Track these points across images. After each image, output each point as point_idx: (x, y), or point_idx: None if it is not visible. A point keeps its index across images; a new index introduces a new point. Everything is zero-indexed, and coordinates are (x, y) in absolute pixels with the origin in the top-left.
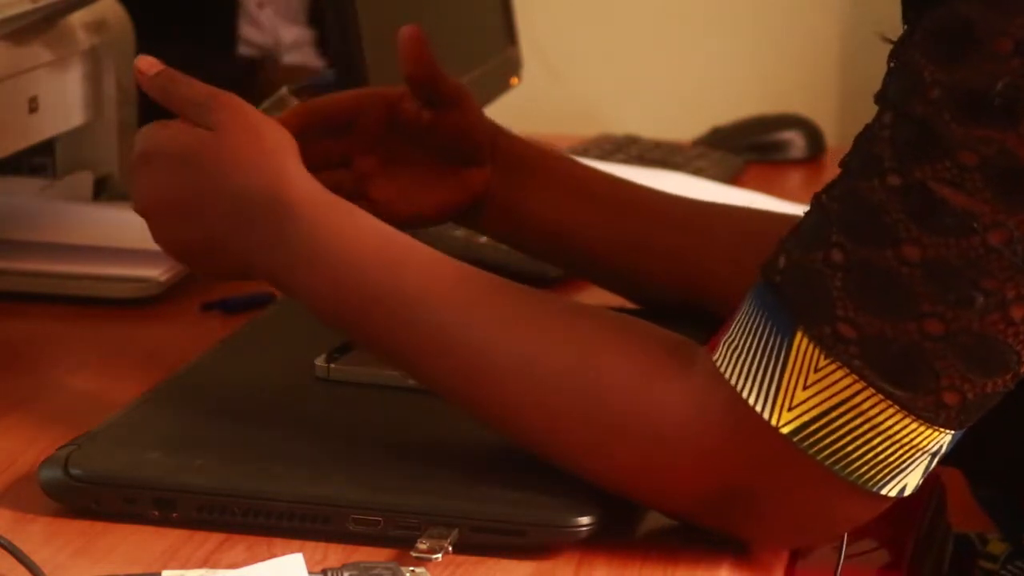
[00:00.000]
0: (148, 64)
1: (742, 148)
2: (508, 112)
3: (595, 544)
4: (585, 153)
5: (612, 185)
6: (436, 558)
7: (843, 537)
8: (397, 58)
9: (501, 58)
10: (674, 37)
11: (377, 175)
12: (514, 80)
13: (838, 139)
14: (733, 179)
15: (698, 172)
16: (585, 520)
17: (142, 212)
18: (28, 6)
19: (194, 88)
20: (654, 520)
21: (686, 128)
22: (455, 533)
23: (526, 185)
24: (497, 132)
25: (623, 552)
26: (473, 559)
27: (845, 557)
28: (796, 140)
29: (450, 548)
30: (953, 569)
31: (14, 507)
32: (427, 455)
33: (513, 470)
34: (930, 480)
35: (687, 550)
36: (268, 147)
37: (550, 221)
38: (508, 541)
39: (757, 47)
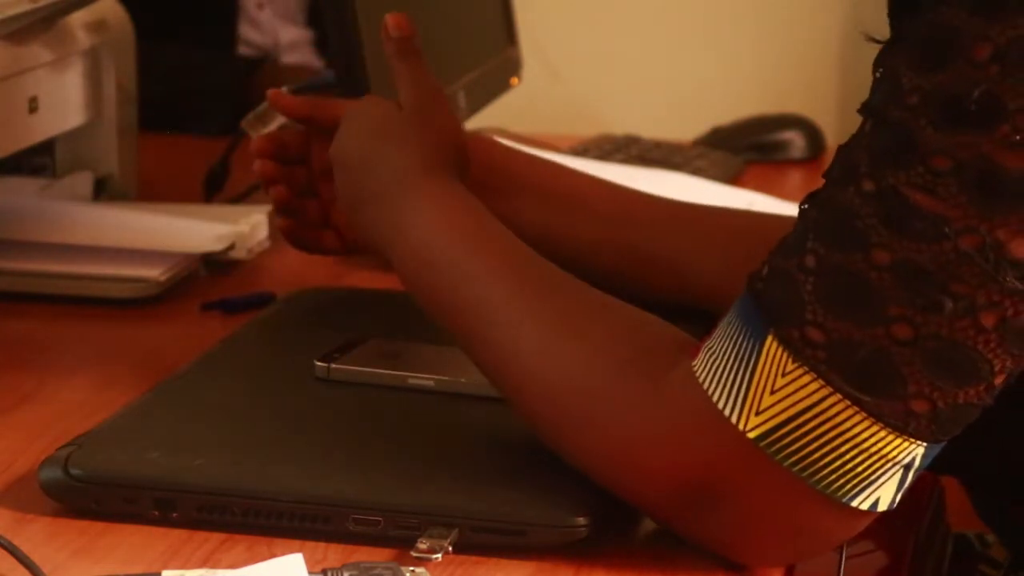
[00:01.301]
0: (397, 25)
1: (742, 148)
2: (508, 112)
3: (595, 544)
4: (585, 153)
5: (601, 190)
6: (436, 558)
7: (842, 547)
8: None
9: (501, 58)
10: (674, 37)
11: (336, 201)
12: (514, 80)
13: (838, 139)
14: (733, 179)
15: (698, 172)
16: (585, 520)
17: (332, 159)
18: (28, 6)
19: (415, 68)
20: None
21: (686, 128)
22: (455, 533)
23: (512, 194)
24: (468, 145)
25: (623, 553)
26: (473, 559)
27: (844, 559)
28: (796, 140)
29: (450, 548)
30: (953, 570)
31: (14, 507)
32: (427, 455)
33: (513, 470)
34: (929, 482)
35: (687, 551)
36: (433, 137)
37: (538, 227)
38: (508, 541)
39: (757, 47)
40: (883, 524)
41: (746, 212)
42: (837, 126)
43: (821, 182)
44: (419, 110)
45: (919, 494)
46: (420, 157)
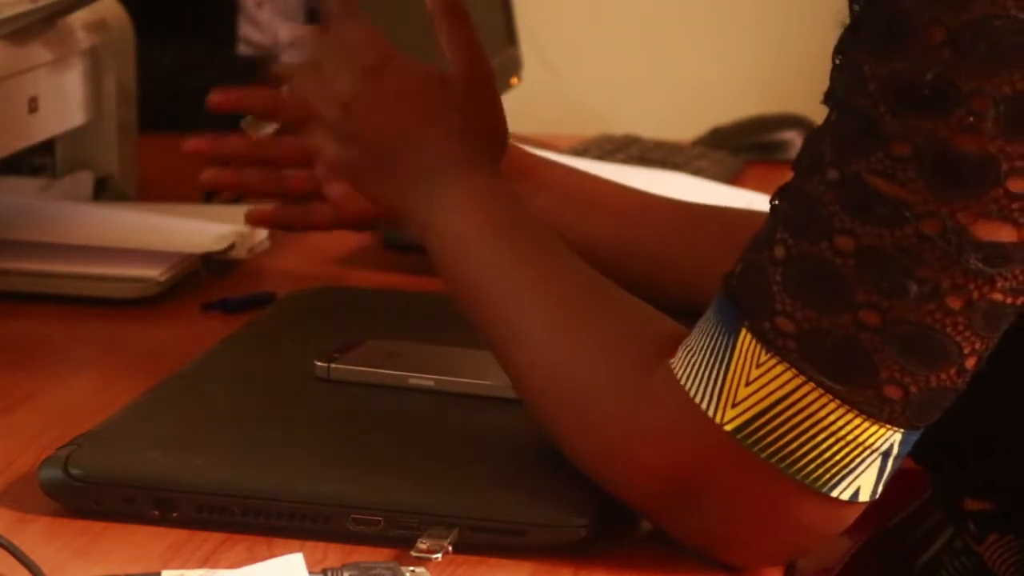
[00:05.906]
0: None
1: (742, 148)
2: (508, 112)
3: (595, 544)
4: (585, 153)
5: (603, 188)
6: (436, 558)
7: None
8: None
9: (501, 58)
10: (674, 37)
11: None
12: (514, 80)
13: None
14: (733, 179)
15: (698, 172)
16: (585, 520)
17: (361, 116)
18: (28, 6)
19: (464, 32)
20: None
21: (686, 128)
22: (455, 533)
23: (528, 195)
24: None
25: (623, 553)
26: (473, 559)
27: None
28: (796, 140)
29: (450, 548)
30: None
31: (14, 507)
32: (427, 455)
33: (513, 470)
34: (923, 479)
35: (687, 551)
36: (480, 125)
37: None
38: (508, 541)
39: (757, 47)
40: (870, 518)
41: (752, 213)
42: None
43: None
44: (469, 90)
45: (914, 486)
46: (462, 150)
